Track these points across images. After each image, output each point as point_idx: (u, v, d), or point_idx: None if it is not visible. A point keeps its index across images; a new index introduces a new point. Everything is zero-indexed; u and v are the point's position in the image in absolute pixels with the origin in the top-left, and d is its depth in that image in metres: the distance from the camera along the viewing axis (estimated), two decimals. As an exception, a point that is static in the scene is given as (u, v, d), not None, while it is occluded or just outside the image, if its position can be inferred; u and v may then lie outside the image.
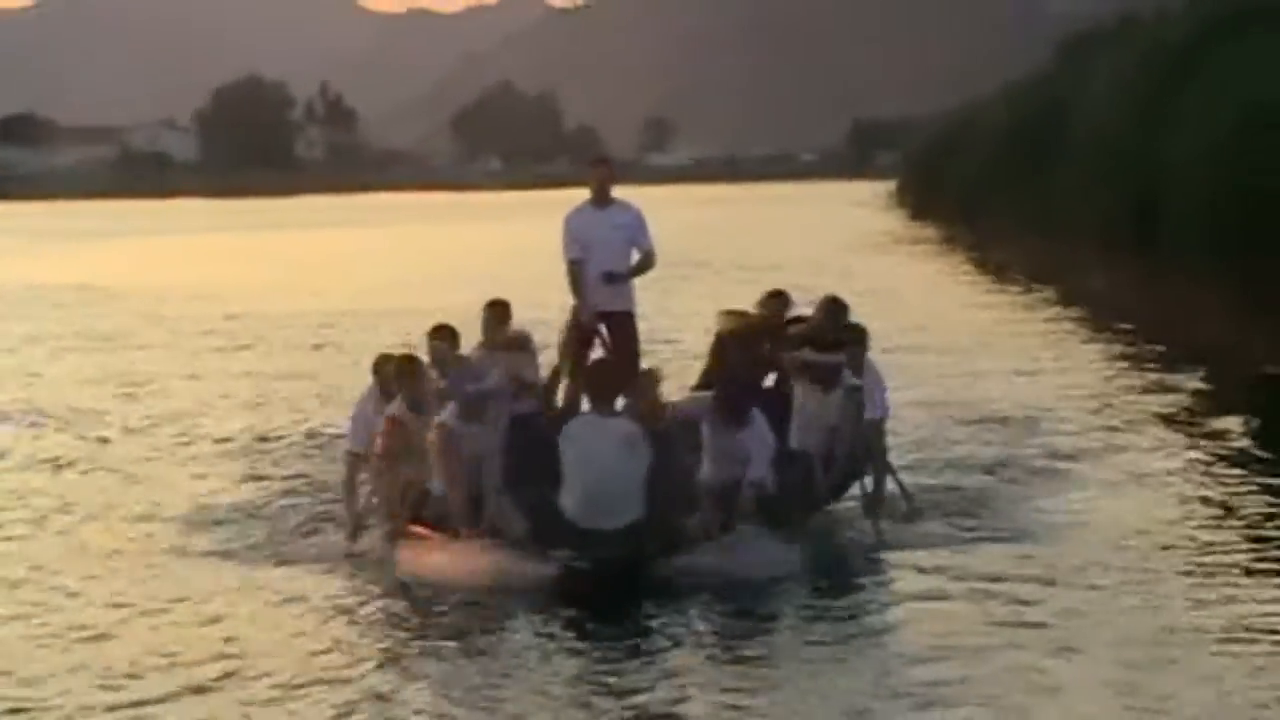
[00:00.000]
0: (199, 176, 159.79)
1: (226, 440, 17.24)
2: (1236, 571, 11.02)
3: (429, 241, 61.91)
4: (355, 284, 38.85)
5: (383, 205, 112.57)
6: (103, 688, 9.20)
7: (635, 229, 13.58)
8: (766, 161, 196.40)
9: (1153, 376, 19.92)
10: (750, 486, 11.53)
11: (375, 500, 12.22)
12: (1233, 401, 17.71)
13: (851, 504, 12.73)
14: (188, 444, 17.24)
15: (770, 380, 13.15)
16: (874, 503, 12.70)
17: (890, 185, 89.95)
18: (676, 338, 22.64)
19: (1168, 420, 16.97)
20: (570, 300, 13.58)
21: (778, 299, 13.65)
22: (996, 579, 10.88)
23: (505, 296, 13.72)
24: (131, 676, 9.38)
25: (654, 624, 10.24)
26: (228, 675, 9.33)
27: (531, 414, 12.59)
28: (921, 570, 11.25)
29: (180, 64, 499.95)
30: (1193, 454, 15.21)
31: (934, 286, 34.07)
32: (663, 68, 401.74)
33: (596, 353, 13.43)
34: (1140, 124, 25.64)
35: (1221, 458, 14.94)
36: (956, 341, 23.64)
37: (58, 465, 16.04)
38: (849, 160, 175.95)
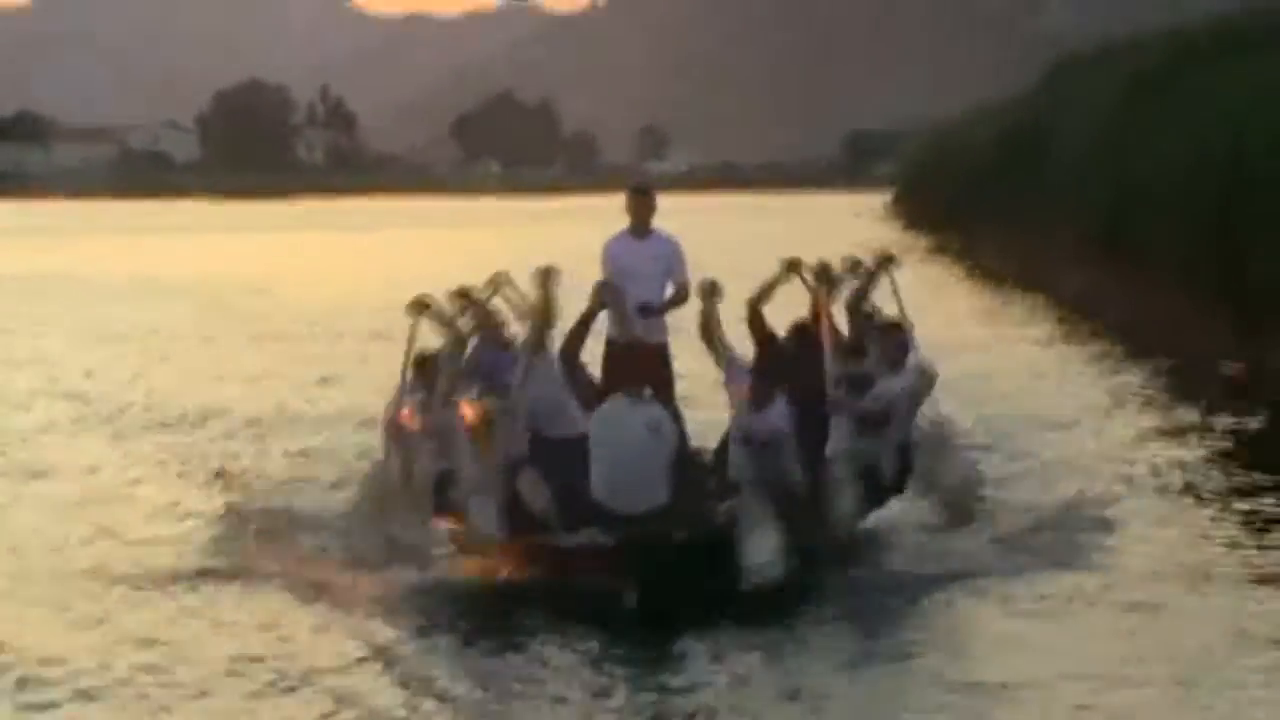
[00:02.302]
0: (199, 177, 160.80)
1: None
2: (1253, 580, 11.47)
3: (444, 246, 63.48)
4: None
5: (384, 210, 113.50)
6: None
7: (672, 260, 13.44)
8: (763, 169, 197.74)
9: (1122, 374, 21.80)
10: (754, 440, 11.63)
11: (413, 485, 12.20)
12: (1192, 390, 19.74)
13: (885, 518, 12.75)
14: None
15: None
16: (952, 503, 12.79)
17: (886, 196, 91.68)
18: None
19: (1142, 414, 18.37)
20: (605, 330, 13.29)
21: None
22: (1028, 599, 11.01)
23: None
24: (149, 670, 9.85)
25: (688, 634, 10.24)
26: (233, 674, 9.69)
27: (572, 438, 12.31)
28: (956, 593, 11.29)
29: (181, 66, 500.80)
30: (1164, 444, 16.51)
31: (924, 294, 36.02)
32: (660, 76, 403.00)
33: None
34: (1111, 143, 27.68)
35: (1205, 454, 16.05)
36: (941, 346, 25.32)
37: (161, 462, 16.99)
38: (845, 169, 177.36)
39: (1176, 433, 17.51)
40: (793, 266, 13.46)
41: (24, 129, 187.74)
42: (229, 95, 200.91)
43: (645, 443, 11.45)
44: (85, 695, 9.60)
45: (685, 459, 12.00)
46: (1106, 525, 13.08)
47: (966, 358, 23.08)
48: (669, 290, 13.40)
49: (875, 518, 12.58)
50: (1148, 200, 24.83)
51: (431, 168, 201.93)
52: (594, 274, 13.06)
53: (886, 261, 13.65)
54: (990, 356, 24.32)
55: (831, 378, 12.55)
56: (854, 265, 13.63)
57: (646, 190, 13.80)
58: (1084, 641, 10.21)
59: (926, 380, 12.94)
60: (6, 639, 10.63)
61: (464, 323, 12.61)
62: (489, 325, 12.72)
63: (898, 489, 12.82)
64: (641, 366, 12.21)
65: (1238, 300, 21.45)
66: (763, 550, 10.94)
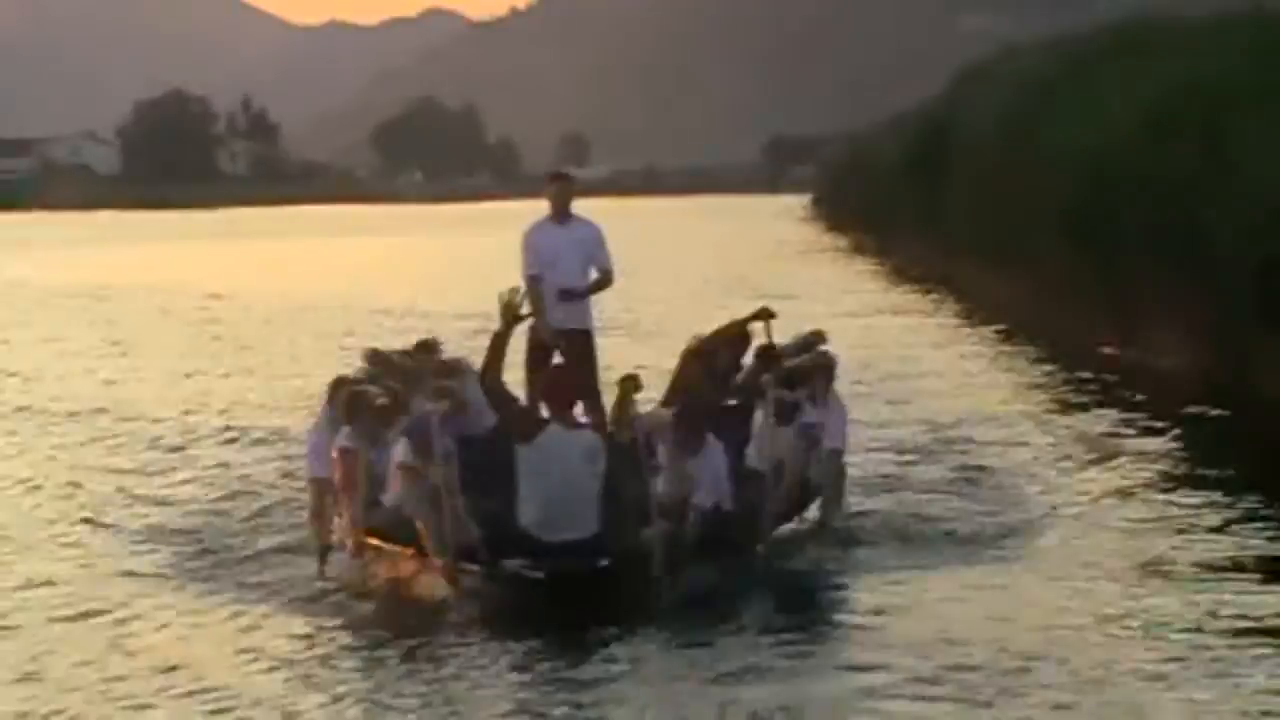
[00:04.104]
0: (121, 189, 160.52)
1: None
2: (1195, 570, 11.53)
3: (379, 251, 64.62)
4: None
5: (311, 217, 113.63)
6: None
7: (594, 245, 13.41)
8: (684, 174, 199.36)
9: (1025, 370, 23.22)
10: (695, 511, 11.36)
11: (339, 527, 12.00)
12: (1075, 371, 21.67)
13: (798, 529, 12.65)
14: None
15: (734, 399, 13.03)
16: (820, 530, 12.61)
17: (805, 199, 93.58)
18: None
19: (1053, 412, 19.07)
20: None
21: (761, 320, 13.48)
22: (946, 600, 11.00)
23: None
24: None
25: (616, 644, 10.21)
26: (183, 694, 9.47)
27: (481, 436, 12.21)
28: (867, 593, 11.30)
29: (100, 76, 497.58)
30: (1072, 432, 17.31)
31: (839, 291, 37.89)
32: (579, 84, 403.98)
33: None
34: (1008, 144, 29.72)
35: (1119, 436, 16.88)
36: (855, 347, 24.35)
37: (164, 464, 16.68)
38: (765, 175, 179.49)
39: (1071, 408, 19.16)
40: (758, 316, 13.40)
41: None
42: (150, 106, 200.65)
43: (580, 472, 11.25)
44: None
45: (618, 481, 11.58)
46: (1034, 524, 13.20)
47: (878, 350, 24.73)
48: (592, 275, 13.44)
49: (789, 525, 12.57)
50: (1033, 202, 26.87)
51: (355, 175, 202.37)
52: (503, 281, 12.81)
53: (759, 318, 13.53)
54: (899, 347, 26.12)
55: (761, 381, 12.50)
56: (723, 335, 13.58)
57: (565, 175, 13.92)
58: (1018, 630, 10.29)
59: (832, 464, 12.77)
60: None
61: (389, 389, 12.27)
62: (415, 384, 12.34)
63: (810, 502, 12.75)
64: (573, 390, 11.93)
65: (1110, 293, 23.46)
66: (690, 583, 11.00)
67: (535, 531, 11.11)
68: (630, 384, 11.88)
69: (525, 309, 12.95)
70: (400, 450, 11.42)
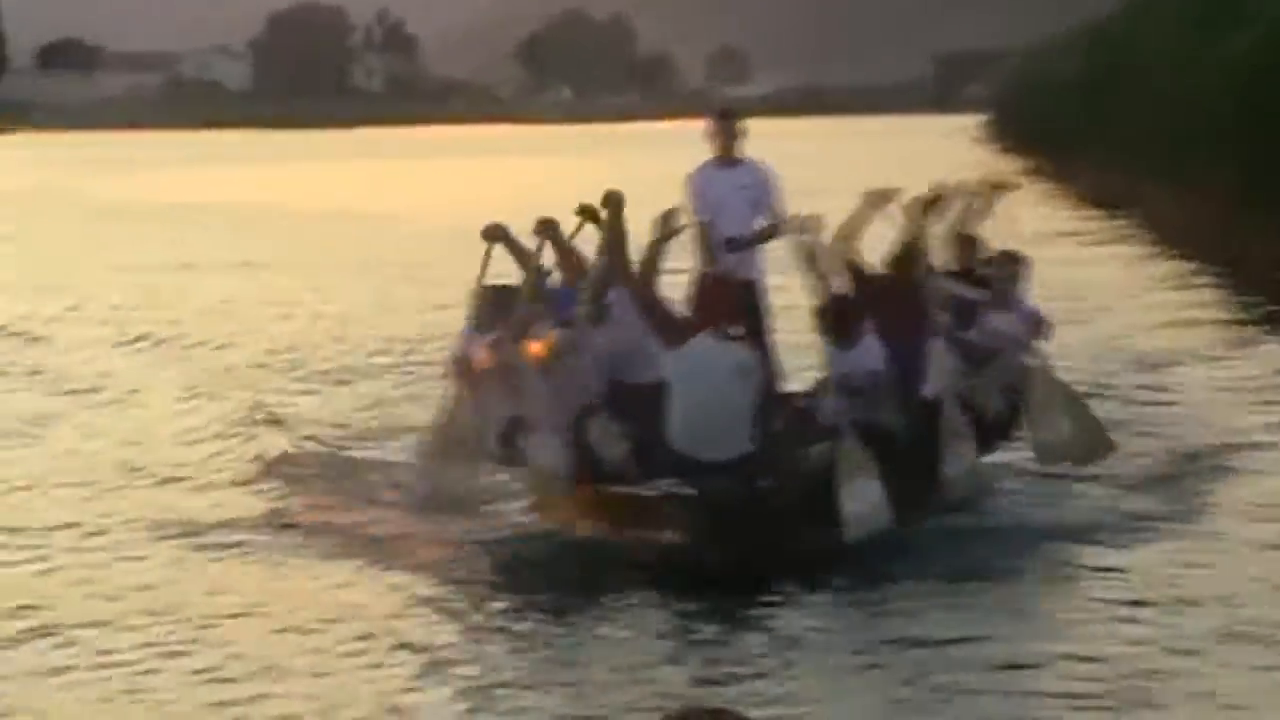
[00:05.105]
0: (251, 106, 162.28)
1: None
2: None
3: (535, 174, 64.73)
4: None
5: (448, 138, 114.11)
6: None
7: (763, 191, 13.05)
8: (848, 92, 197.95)
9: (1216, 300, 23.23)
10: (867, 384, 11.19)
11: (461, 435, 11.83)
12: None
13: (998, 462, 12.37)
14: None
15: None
16: (1044, 452, 12.17)
17: (979, 119, 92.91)
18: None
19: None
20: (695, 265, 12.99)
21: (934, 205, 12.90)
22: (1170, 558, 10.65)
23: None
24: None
25: (772, 605, 9.94)
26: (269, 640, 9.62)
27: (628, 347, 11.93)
28: (1080, 545, 10.92)
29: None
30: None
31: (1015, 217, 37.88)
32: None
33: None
34: (1191, 57, 29.56)
35: None
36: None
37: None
38: (935, 93, 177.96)
39: (1265, 339, 19.11)
40: (883, 198, 12.81)
41: (67, 57, 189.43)
42: (283, 18, 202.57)
43: (730, 386, 11.05)
44: (140, 654, 9.60)
45: (776, 404, 11.63)
46: (1229, 470, 12.95)
47: (1064, 285, 24.25)
48: (760, 222, 13.01)
49: (982, 465, 12.08)
50: (1220, 121, 26.74)
51: (496, 93, 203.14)
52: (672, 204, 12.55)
53: (999, 188, 13.31)
54: (1090, 285, 25.96)
55: (935, 305, 12.15)
56: (963, 190, 13.29)
57: (732, 114, 13.42)
58: (1215, 599, 9.96)
59: (1041, 327, 12.54)
60: (49, 598, 10.59)
61: (542, 256, 12.23)
62: (570, 260, 12.34)
63: (1004, 434, 12.47)
64: (732, 302, 11.81)
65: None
66: (863, 500, 10.64)
67: (683, 448, 10.98)
68: (804, 224, 11.93)
69: (683, 222, 12.70)
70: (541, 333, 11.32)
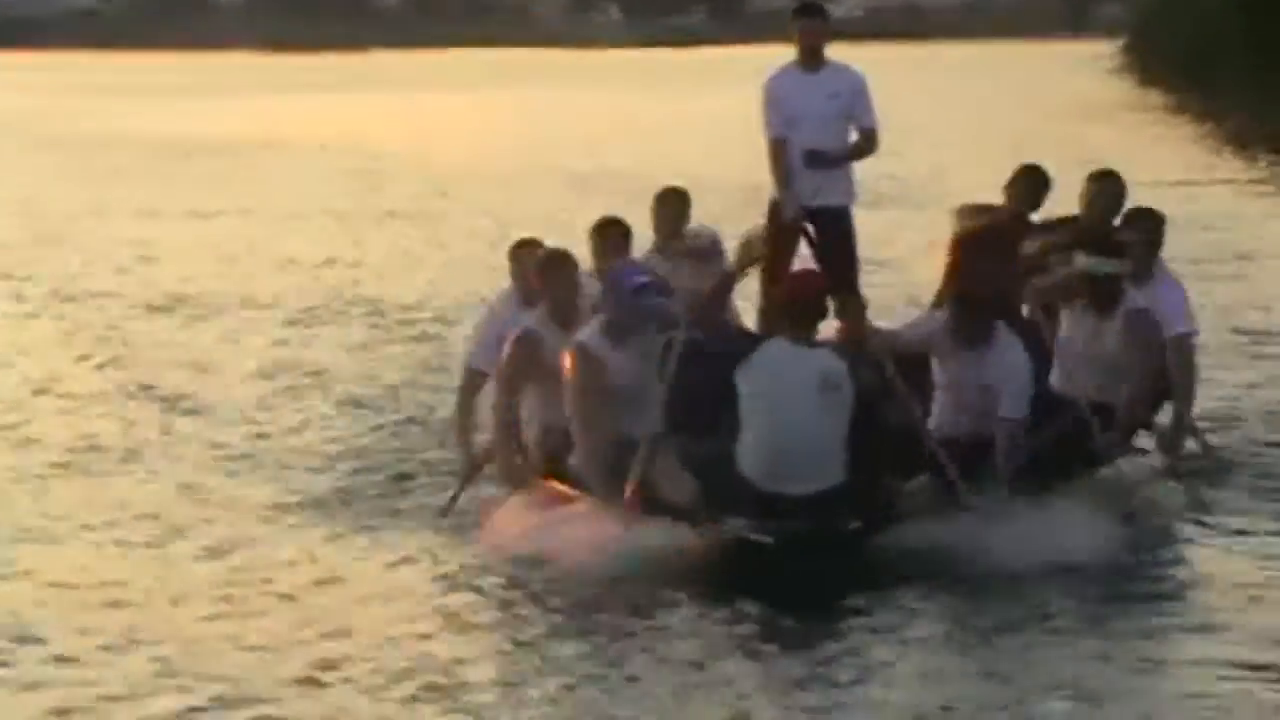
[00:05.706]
0: (245, 25, 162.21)
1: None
2: None
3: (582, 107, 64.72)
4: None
5: (478, 65, 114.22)
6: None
7: (853, 98, 13.05)
8: (957, 11, 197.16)
9: None
10: (1005, 425, 11.04)
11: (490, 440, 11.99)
12: None
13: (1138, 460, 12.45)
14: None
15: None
16: (1171, 449, 12.24)
17: (1112, 46, 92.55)
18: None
19: None
20: (769, 192, 13.18)
21: (1031, 178, 13.31)
22: None
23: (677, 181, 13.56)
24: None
25: (855, 619, 10.11)
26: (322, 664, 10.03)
27: (703, 340, 11.94)
28: (1230, 552, 11.21)
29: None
30: None
31: (1155, 159, 37.80)
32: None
33: (800, 261, 12.92)
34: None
35: None
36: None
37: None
38: (1063, 13, 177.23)
39: None
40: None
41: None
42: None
43: (815, 402, 10.77)
44: (198, 630, 10.50)
45: (872, 400, 11.27)
46: None
47: (1215, 243, 24.83)
48: (851, 136, 13.08)
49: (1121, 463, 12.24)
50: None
51: (535, 13, 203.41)
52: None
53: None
54: (1226, 226, 26.17)
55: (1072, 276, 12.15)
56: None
57: (817, 10, 13.40)
58: None
59: (1181, 345, 12.36)
60: (107, 574, 11.52)
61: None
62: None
63: (1145, 424, 12.47)
64: (812, 296, 11.48)
65: None
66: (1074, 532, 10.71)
67: (759, 481, 10.79)
68: (853, 303, 11.80)
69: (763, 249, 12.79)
70: (587, 331, 11.33)
